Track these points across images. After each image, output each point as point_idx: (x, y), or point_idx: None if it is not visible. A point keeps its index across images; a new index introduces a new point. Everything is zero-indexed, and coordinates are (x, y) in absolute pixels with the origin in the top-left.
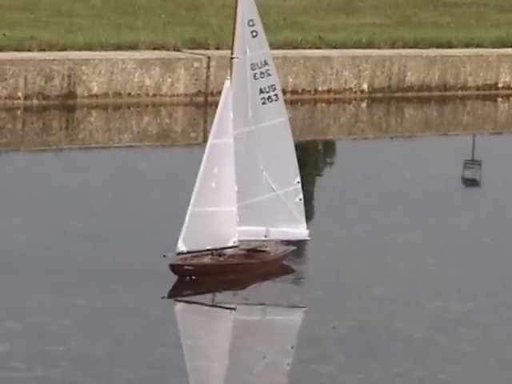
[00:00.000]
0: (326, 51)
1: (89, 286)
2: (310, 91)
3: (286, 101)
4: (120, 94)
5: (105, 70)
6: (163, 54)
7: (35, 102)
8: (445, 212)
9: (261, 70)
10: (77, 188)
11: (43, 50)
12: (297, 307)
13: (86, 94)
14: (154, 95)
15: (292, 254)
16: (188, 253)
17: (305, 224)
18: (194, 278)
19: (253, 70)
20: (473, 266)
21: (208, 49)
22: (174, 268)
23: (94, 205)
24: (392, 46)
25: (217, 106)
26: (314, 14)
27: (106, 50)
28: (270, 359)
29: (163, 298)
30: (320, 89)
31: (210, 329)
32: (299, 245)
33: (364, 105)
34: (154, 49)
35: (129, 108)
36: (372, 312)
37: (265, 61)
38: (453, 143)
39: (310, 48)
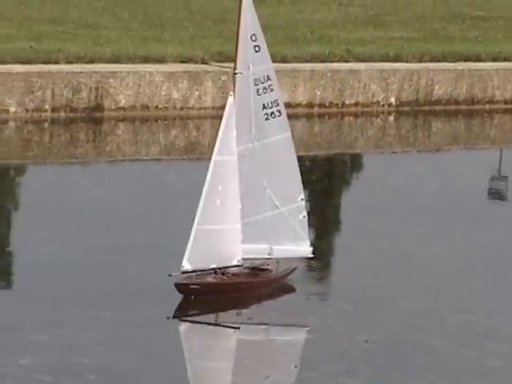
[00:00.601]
0: (354, 64)
1: (114, 298)
2: (337, 104)
3: (313, 114)
4: (147, 107)
5: (132, 82)
6: (191, 66)
7: (62, 114)
8: (471, 225)
9: (264, 85)
10: (103, 201)
11: (70, 62)
12: (299, 326)
13: (113, 107)
14: (182, 108)
15: (317, 266)
16: (193, 271)
17: (308, 241)
18: (198, 297)
19: (256, 85)
20: (499, 279)
21: (235, 61)
22: (180, 287)
23: (120, 218)
24: (420, 60)
25: None
26: (342, 27)
27: (133, 63)
28: (273, 378)
29: (168, 318)
30: (347, 102)
31: (220, 348)
32: (302, 263)
33: (391, 118)
34: (182, 62)
35: (156, 121)
36: (397, 325)
37: (267, 76)
38: (480, 157)
39: (337, 61)
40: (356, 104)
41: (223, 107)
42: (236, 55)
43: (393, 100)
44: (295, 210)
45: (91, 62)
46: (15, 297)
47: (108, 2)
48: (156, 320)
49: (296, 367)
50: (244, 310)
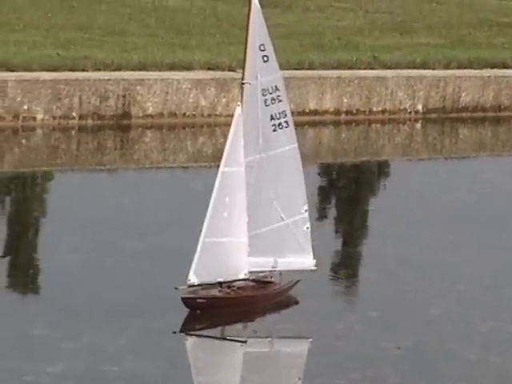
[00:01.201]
0: (381, 71)
1: (142, 306)
2: (364, 111)
3: (340, 121)
4: (175, 115)
5: (160, 90)
6: (218, 74)
7: (90, 121)
8: (499, 232)
9: (272, 95)
10: (131, 208)
11: (98, 69)
12: (303, 338)
13: (140, 114)
14: (209, 115)
15: (347, 272)
16: (199, 285)
17: (312, 254)
18: (204, 311)
19: (264, 95)
20: None
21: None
22: (186, 301)
23: (148, 225)
24: (446, 67)
25: None
26: (369, 33)
27: (160, 70)
28: None
29: (175, 332)
30: (375, 109)
31: (228, 362)
32: (305, 275)
33: (418, 125)
34: (209, 69)
35: (184, 128)
36: (426, 332)
37: (276, 86)
38: (507, 164)
39: (364, 68)
40: (383, 111)
41: None
42: (244, 65)
43: (420, 107)
44: (299, 221)
45: (118, 69)
46: (44, 304)
47: (134, 9)
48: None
49: (300, 379)
50: (249, 323)
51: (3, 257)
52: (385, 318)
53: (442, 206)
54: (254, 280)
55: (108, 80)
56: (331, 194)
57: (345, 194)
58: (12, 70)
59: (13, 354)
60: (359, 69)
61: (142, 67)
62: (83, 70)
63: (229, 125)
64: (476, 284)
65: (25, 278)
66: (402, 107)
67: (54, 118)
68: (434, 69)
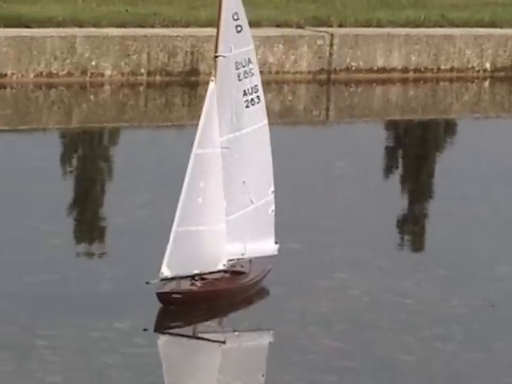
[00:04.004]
0: (449, 30)
1: None
2: (432, 70)
3: (408, 79)
4: None
5: None
6: (286, 31)
7: (158, 78)
8: None
9: (245, 69)
10: None
11: (166, 26)
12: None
13: (208, 71)
14: (277, 72)
15: (414, 230)
16: (173, 278)
17: (273, 238)
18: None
19: (237, 69)
20: None
21: (331, 26)
22: (162, 296)
23: None
24: None
25: (340, 84)
26: None
27: None
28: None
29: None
30: (442, 67)
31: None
32: (275, 263)
33: (486, 84)
34: (277, 26)
35: None
36: (493, 291)
37: (249, 59)
38: None
39: (432, 26)
40: (451, 69)
41: (319, 72)
42: (217, 36)
43: (488, 65)
44: (265, 204)
45: (186, 26)
46: (111, 261)
47: None
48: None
49: (263, 376)
50: (219, 318)
51: (70, 213)
52: (452, 275)
53: (509, 165)
54: (225, 271)
55: (176, 36)
56: (398, 152)
57: (412, 151)
58: (80, 26)
59: (79, 310)
60: (427, 27)
61: (210, 24)
62: (151, 27)
63: (297, 82)
64: None
65: (92, 234)
66: (469, 65)
67: (122, 74)
68: (501, 27)
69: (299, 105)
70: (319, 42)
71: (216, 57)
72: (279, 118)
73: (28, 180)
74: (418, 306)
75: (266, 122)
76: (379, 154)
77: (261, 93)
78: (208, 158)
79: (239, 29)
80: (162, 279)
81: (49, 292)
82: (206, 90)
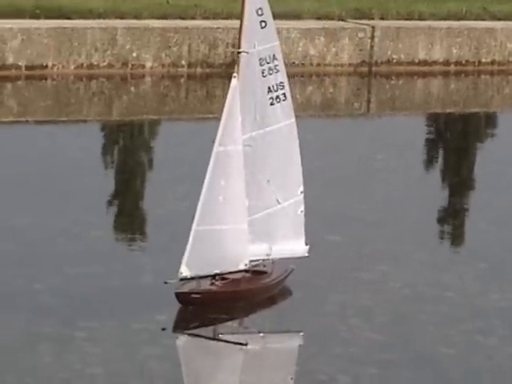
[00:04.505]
0: (490, 23)
1: None
2: (473, 63)
3: (449, 72)
4: (284, 64)
5: None
6: (327, 23)
7: (199, 69)
8: None
9: (269, 65)
10: None
11: (207, 18)
12: (293, 332)
13: None
14: (318, 65)
15: (455, 223)
16: (192, 278)
17: (304, 239)
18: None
19: (261, 65)
20: None
21: (372, 19)
22: (181, 296)
23: None
24: None
25: (381, 77)
26: None
27: None
28: None
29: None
30: (484, 60)
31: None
32: (299, 262)
33: None
34: (318, 18)
35: (293, 77)
36: None
37: (274, 55)
38: None
39: (474, 19)
40: (492, 62)
41: (360, 64)
42: (240, 32)
43: None
44: (294, 204)
45: (227, 17)
46: (152, 253)
47: None
48: None
49: (291, 379)
50: (243, 319)
51: (111, 205)
52: (494, 269)
53: None
54: (246, 271)
55: (217, 28)
56: (439, 144)
57: (453, 144)
58: (121, 18)
59: (121, 301)
60: (469, 20)
61: None
62: (192, 19)
63: (338, 74)
64: None
65: (132, 226)
66: (510, 59)
67: (163, 65)
68: None
69: (340, 97)
70: (360, 34)
71: (239, 53)
72: (320, 110)
73: (69, 171)
74: (458, 299)
75: (293, 120)
76: (420, 147)
77: (287, 90)
78: (229, 155)
79: (263, 24)
80: (181, 279)
81: (90, 284)
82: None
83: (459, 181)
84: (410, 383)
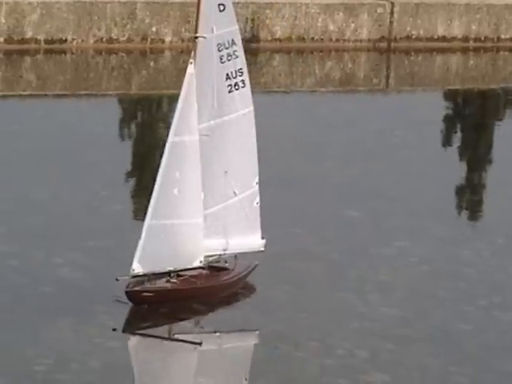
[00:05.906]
0: None
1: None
2: (492, 39)
3: (468, 48)
4: (303, 39)
5: (288, 14)
6: None
7: None
8: None
9: (228, 51)
10: (257, 131)
11: None
12: (249, 331)
13: (269, 38)
14: (337, 40)
15: (472, 199)
16: (145, 275)
17: (260, 232)
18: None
19: (219, 51)
20: None
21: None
22: (131, 295)
23: (270, 150)
24: None
25: (400, 53)
26: None
27: None
28: None
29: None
30: (503, 37)
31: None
32: (261, 258)
33: None
34: None
35: (312, 53)
36: None
37: (233, 40)
38: None
39: None
40: (511, 39)
41: (379, 40)
42: (197, 16)
43: None
44: (249, 196)
45: None
46: None
47: None
48: None
49: (246, 379)
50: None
51: (129, 179)
52: (511, 244)
53: None
54: (205, 267)
55: (237, 3)
56: (457, 120)
57: (471, 120)
58: None
59: None
60: None
61: None
62: None
63: (357, 50)
64: None
65: (150, 199)
66: None
67: (183, 40)
68: None
69: (359, 73)
70: (380, 10)
71: (195, 38)
72: (339, 85)
73: (87, 145)
74: (476, 275)
75: (251, 108)
76: (438, 123)
77: (246, 77)
78: (185, 146)
79: (222, 8)
80: (133, 276)
81: (109, 257)
82: (267, 57)
83: (477, 157)
84: (427, 358)
